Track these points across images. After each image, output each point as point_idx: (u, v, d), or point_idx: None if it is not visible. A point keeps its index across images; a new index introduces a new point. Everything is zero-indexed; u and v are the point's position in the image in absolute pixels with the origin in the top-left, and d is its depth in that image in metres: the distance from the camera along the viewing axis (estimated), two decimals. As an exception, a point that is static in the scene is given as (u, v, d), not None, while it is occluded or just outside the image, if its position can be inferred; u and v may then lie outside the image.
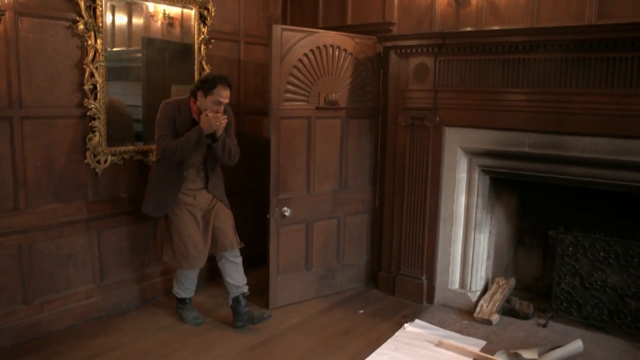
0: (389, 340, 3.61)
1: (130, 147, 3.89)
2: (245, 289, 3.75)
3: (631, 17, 3.36)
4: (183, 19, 4.16)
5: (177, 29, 4.15)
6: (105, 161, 3.73)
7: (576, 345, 3.46)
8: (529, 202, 4.48)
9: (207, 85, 3.40)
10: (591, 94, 3.42)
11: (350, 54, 4.18)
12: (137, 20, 3.90)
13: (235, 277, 3.72)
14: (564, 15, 3.62)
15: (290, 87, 3.92)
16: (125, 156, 3.85)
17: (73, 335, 3.59)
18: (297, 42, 3.90)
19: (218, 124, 3.37)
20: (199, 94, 3.43)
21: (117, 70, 3.80)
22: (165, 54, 4.10)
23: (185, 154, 3.44)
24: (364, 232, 4.56)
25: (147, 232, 4.13)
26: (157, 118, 3.52)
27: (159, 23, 4.02)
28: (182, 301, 3.88)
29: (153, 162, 3.79)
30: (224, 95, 3.40)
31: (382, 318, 3.98)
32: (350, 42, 4.17)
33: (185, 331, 3.70)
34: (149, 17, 3.96)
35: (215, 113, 3.38)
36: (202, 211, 3.64)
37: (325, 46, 4.03)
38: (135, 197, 3.94)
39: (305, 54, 3.94)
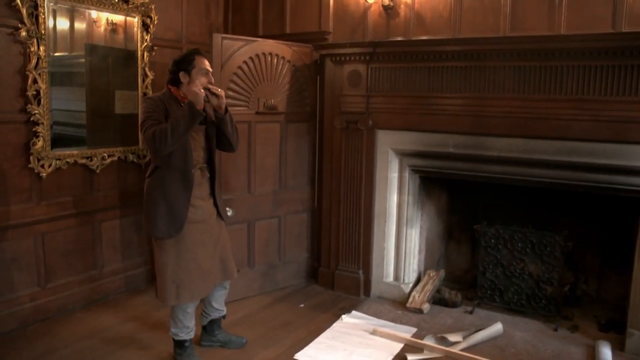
0: (327, 331, 3.83)
1: (75, 152, 3.97)
2: (225, 312, 3.58)
3: (538, 29, 3.73)
4: (126, 26, 4.26)
5: (121, 36, 4.24)
6: (50, 165, 3.79)
7: (496, 328, 3.78)
8: (458, 199, 4.80)
9: (185, 61, 3.05)
10: (506, 99, 3.74)
11: (288, 61, 4.39)
12: (80, 27, 3.96)
13: (222, 302, 3.52)
14: (481, 27, 3.94)
15: (230, 92, 4.07)
16: (69, 160, 3.92)
17: (17, 338, 3.62)
18: (237, 50, 4.09)
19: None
20: (182, 75, 3.05)
21: (60, 76, 3.86)
22: (109, 60, 4.18)
23: (178, 135, 2.88)
24: (303, 231, 4.77)
25: (93, 235, 4.19)
26: (144, 112, 3.02)
27: (102, 29, 4.10)
28: (180, 345, 3.28)
29: (149, 174, 3.17)
30: (206, 63, 3.07)
31: (322, 311, 4.19)
32: (288, 50, 4.38)
33: (130, 330, 3.80)
34: (92, 23, 4.03)
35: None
36: (207, 231, 3.21)
37: (264, 54, 4.23)
38: (80, 200, 4.03)
39: (244, 62, 4.13)
